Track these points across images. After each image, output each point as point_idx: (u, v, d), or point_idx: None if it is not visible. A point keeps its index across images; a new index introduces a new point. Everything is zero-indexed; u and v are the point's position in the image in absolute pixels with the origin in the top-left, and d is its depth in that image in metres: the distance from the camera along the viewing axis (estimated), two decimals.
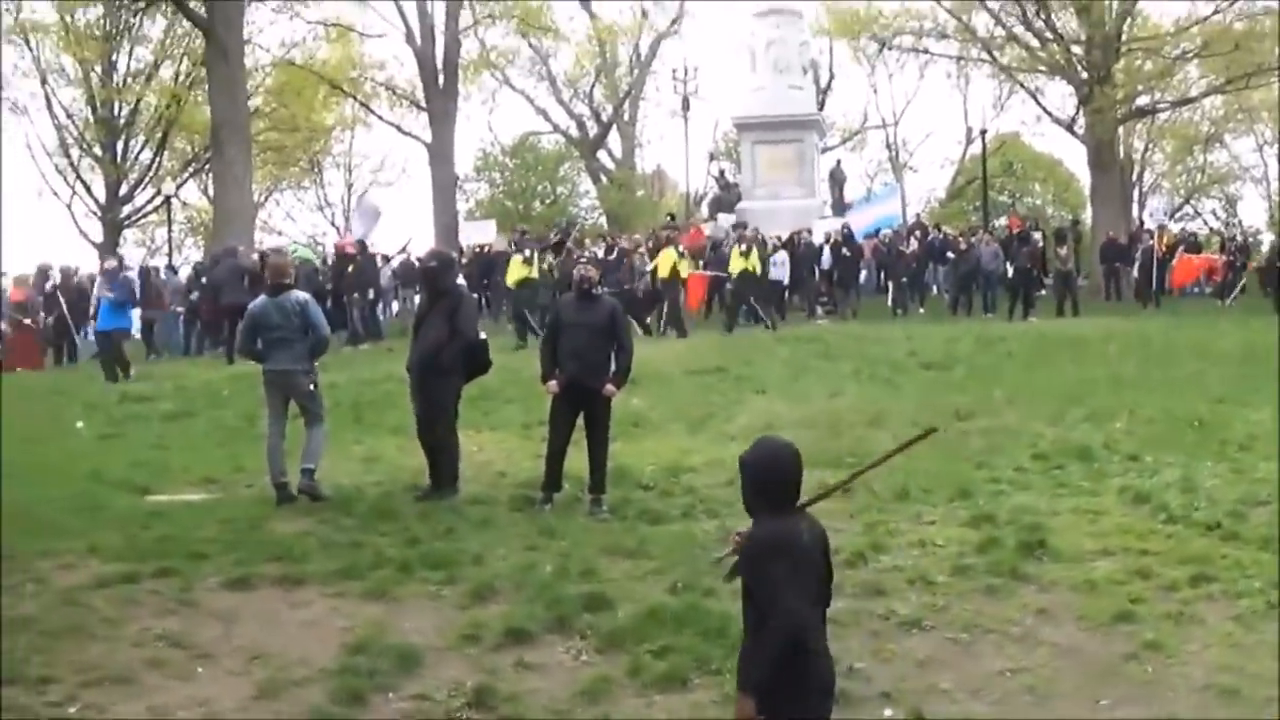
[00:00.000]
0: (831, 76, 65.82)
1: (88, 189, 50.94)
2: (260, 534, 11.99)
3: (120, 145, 50.49)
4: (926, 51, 53.02)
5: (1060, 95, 49.58)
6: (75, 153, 51.00)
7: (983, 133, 50.24)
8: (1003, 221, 45.60)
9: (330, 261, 34.99)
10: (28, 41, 49.04)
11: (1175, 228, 47.07)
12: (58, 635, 9.05)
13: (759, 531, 5.49)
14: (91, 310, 29.85)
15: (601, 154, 63.87)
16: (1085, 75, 41.65)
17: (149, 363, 30.18)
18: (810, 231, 36.70)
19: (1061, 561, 10.76)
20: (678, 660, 8.46)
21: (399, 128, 54.93)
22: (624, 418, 16.17)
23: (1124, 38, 42.67)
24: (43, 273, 32.98)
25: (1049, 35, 42.58)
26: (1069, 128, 46.27)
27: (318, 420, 13.80)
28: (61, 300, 31.32)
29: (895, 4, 50.53)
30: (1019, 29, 43.40)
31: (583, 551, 11.25)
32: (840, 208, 45.12)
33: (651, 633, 8.96)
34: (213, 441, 17.73)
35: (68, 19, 47.91)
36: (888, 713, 7.94)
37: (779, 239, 35.42)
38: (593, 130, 63.34)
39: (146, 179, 51.39)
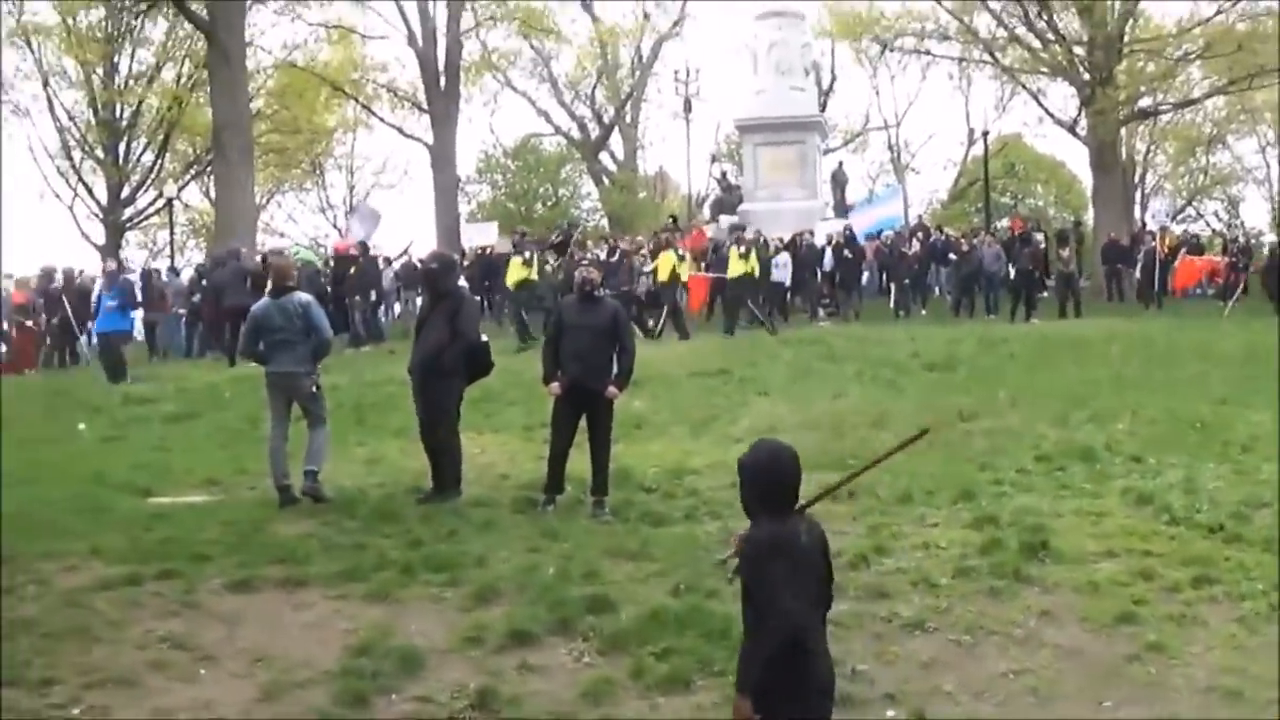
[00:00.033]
0: (833, 78, 66.06)
1: (90, 191, 51.08)
2: (263, 536, 11.99)
3: (122, 147, 50.62)
4: (928, 53, 53.15)
5: (1062, 96, 49.79)
6: (77, 155, 51.18)
7: (985, 134, 50.31)
8: (1005, 223, 45.62)
9: (330, 264, 34.97)
10: (30, 44, 49.21)
11: (1177, 229, 47.09)
12: (60, 637, 9.05)
13: (757, 533, 5.50)
14: (92, 312, 29.84)
15: (603, 156, 64.00)
16: (1087, 76, 41.72)
17: (151, 364, 30.20)
18: (812, 233, 36.66)
19: (1064, 563, 10.75)
20: (680, 662, 8.45)
21: (401, 130, 55.14)
22: (626, 420, 16.18)
23: (1126, 39, 42.75)
24: (47, 275, 32.98)
25: (1051, 36, 42.65)
26: (1071, 129, 46.33)
27: (320, 422, 13.79)
28: (66, 303, 31.30)
29: (897, 5, 50.65)
30: (1021, 30, 43.50)
31: (585, 553, 11.24)
32: (842, 209, 45.13)
33: (654, 634, 8.95)
34: (215, 443, 17.74)
35: (70, 21, 47.99)
36: (891, 714, 7.93)
37: (781, 241, 35.42)
38: (594, 132, 63.44)
39: (148, 181, 51.52)
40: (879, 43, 55.53)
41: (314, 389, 13.71)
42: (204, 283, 33.00)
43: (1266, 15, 40.79)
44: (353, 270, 31.77)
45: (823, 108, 56.53)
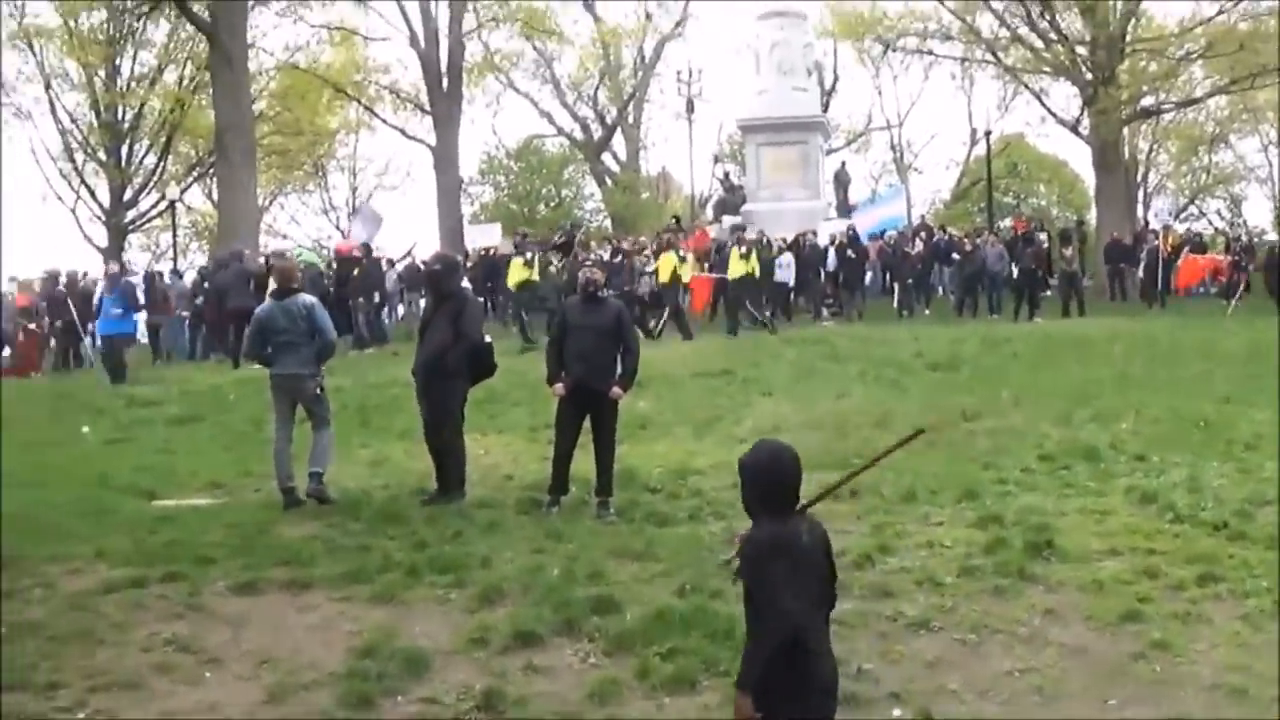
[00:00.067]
0: (836, 78, 66.10)
1: (92, 194, 51.08)
2: (268, 538, 12.00)
3: (124, 150, 50.58)
4: (931, 53, 53.02)
5: (1065, 96, 49.64)
6: (79, 157, 51.17)
7: (987, 134, 50.31)
8: (1008, 222, 45.78)
9: (332, 266, 34.98)
10: (31, 46, 49.15)
11: (1180, 228, 47.03)
12: (66, 640, 9.07)
13: (757, 533, 5.50)
14: (94, 315, 29.84)
15: (606, 157, 64.02)
16: (1090, 76, 41.65)
17: (155, 367, 30.23)
18: (815, 233, 36.68)
19: (1069, 562, 10.75)
20: (686, 662, 8.45)
21: (403, 131, 55.12)
22: (631, 420, 16.17)
23: (1128, 38, 42.67)
24: (52, 278, 32.98)
25: (1053, 36, 42.58)
26: (1074, 129, 46.25)
27: (324, 424, 13.80)
28: (72, 306, 31.33)
29: (899, 5, 50.60)
30: (1023, 30, 43.41)
31: (590, 554, 11.24)
32: (845, 209, 45.14)
33: (659, 635, 8.95)
34: (219, 446, 17.76)
35: (71, 23, 47.95)
36: (896, 713, 7.93)
37: (784, 241, 35.44)
38: (597, 133, 63.50)
39: (151, 183, 51.52)
40: (881, 43, 55.49)
41: (318, 391, 13.72)
42: (206, 285, 33.03)
43: (1268, 15, 40.70)
44: (356, 272, 31.78)
45: (825, 108, 56.60)
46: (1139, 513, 12.42)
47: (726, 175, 53.56)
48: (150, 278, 35.13)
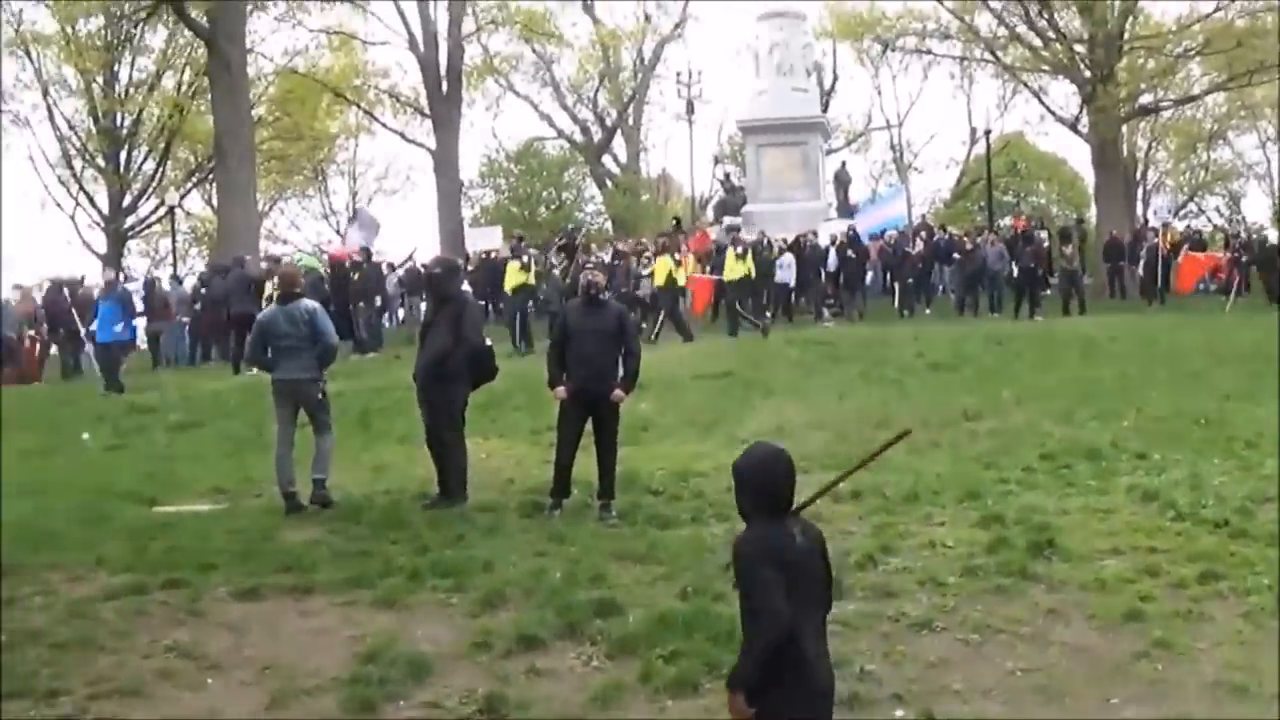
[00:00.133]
0: (835, 78, 66.15)
1: (91, 200, 51.17)
2: (269, 544, 11.99)
3: (123, 156, 50.67)
4: (930, 52, 53.15)
5: (1064, 94, 49.74)
6: (78, 164, 51.24)
7: (987, 133, 50.27)
8: (1008, 221, 45.74)
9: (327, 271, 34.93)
10: (29, 53, 49.22)
11: (1179, 225, 47.05)
12: (67, 647, 9.06)
13: (748, 536, 5.51)
14: (93, 322, 29.83)
15: (606, 159, 64.03)
16: (1088, 74, 41.70)
17: (155, 373, 30.23)
18: (816, 233, 36.70)
19: (1071, 561, 10.74)
20: (688, 665, 8.44)
21: (403, 135, 55.21)
22: (632, 423, 16.15)
23: (1126, 36, 42.72)
24: (56, 286, 32.98)
25: (1052, 34, 42.63)
26: (1073, 127, 46.31)
27: (326, 429, 13.81)
28: (75, 313, 31.34)
29: (898, 5, 50.65)
30: (1022, 29, 43.46)
31: (592, 557, 11.24)
32: (845, 210, 45.13)
33: (662, 638, 8.94)
34: (220, 452, 17.74)
35: (69, 30, 47.95)
36: (899, 714, 7.93)
37: (785, 241, 35.44)
38: (597, 135, 63.52)
39: (150, 189, 51.54)
40: (880, 43, 55.60)
41: (320, 395, 13.72)
42: (204, 291, 33.06)
43: (1266, 11, 40.76)
44: (357, 276, 31.76)
45: (825, 108, 56.61)
46: (1140, 511, 12.42)
47: (727, 176, 53.64)
48: (150, 284, 35.15)
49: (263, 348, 13.79)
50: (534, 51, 59.29)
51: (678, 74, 58.86)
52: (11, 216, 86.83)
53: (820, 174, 44.68)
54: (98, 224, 51.16)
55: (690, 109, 56.88)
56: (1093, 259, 41.48)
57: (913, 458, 15.12)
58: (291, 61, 51.16)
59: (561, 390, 13.24)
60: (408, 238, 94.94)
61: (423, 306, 29.67)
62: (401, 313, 40.66)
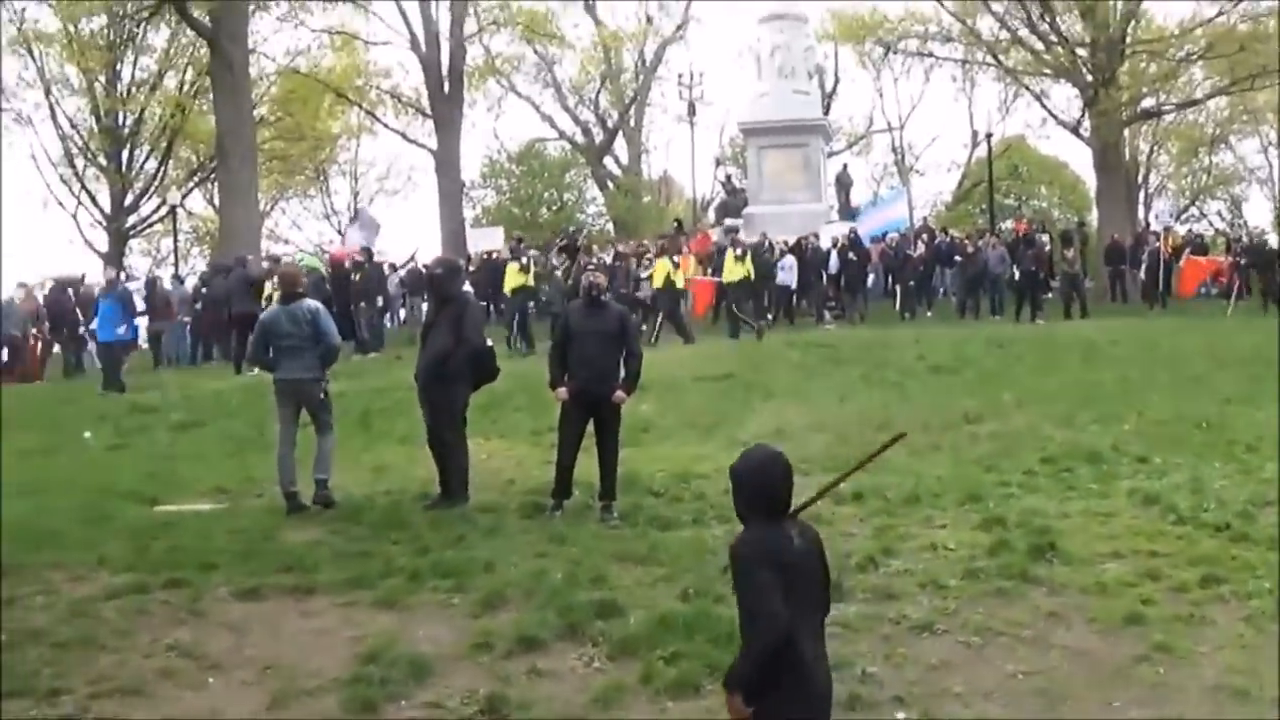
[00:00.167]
0: (837, 81, 66.10)
1: (93, 199, 51.15)
2: (270, 544, 11.99)
3: (125, 155, 50.66)
4: (931, 55, 53.21)
5: (1065, 98, 49.74)
6: (80, 163, 51.22)
7: (988, 136, 50.37)
8: (1009, 224, 45.72)
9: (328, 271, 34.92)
10: (31, 52, 49.20)
11: (1181, 229, 47.07)
12: (68, 647, 9.07)
13: (746, 538, 5.52)
14: (94, 321, 29.81)
15: (608, 160, 63.98)
16: (1090, 78, 41.68)
17: (157, 373, 30.22)
18: (817, 236, 36.70)
19: (1072, 564, 10.75)
20: (689, 667, 8.44)
21: (405, 135, 55.19)
22: (634, 424, 16.15)
23: (1128, 40, 42.69)
24: (60, 285, 32.96)
25: (1054, 38, 42.60)
26: (1074, 130, 46.27)
27: (328, 429, 13.81)
28: (79, 312, 31.33)
29: (900, 8, 50.68)
30: (1024, 32, 43.43)
31: (593, 558, 11.24)
32: (847, 212, 45.10)
33: (663, 639, 8.94)
34: (222, 451, 17.73)
35: (71, 29, 47.93)
36: (900, 716, 7.93)
37: (786, 243, 35.45)
38: (599, 136, 63.50)
39: (151, 189, 51.54)
40: (882, 45, 55.64)
41: (323, 395, 13.73)
42: (204, 291, 33.06)
43: (1268, 15, 40.78)
44: (358, 277, 31.75)
45: (826, 110, 56.63)
46: (1141, 515, 12.42)
47: (728, 178, 53.60)
48: (151, 283, 35.12)
49: (265, 347, 13.79)
50: (536, 52, 59.27)
51: (679, 76, 58.87)
52: (13, 215, 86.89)
53: (822, 176, 44.68)
54: (99, 223, 51.16)
55: (692, 111, 56.86)
56: (1094, 262, 41.47)
57: (914, 460, 15.13)
58: (293, 61, 51.19)
59: (563, 391, 13.24)
60: (409, 238, 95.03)
61: (424, 307, 29.71)
62: (403, 313, 40.64)
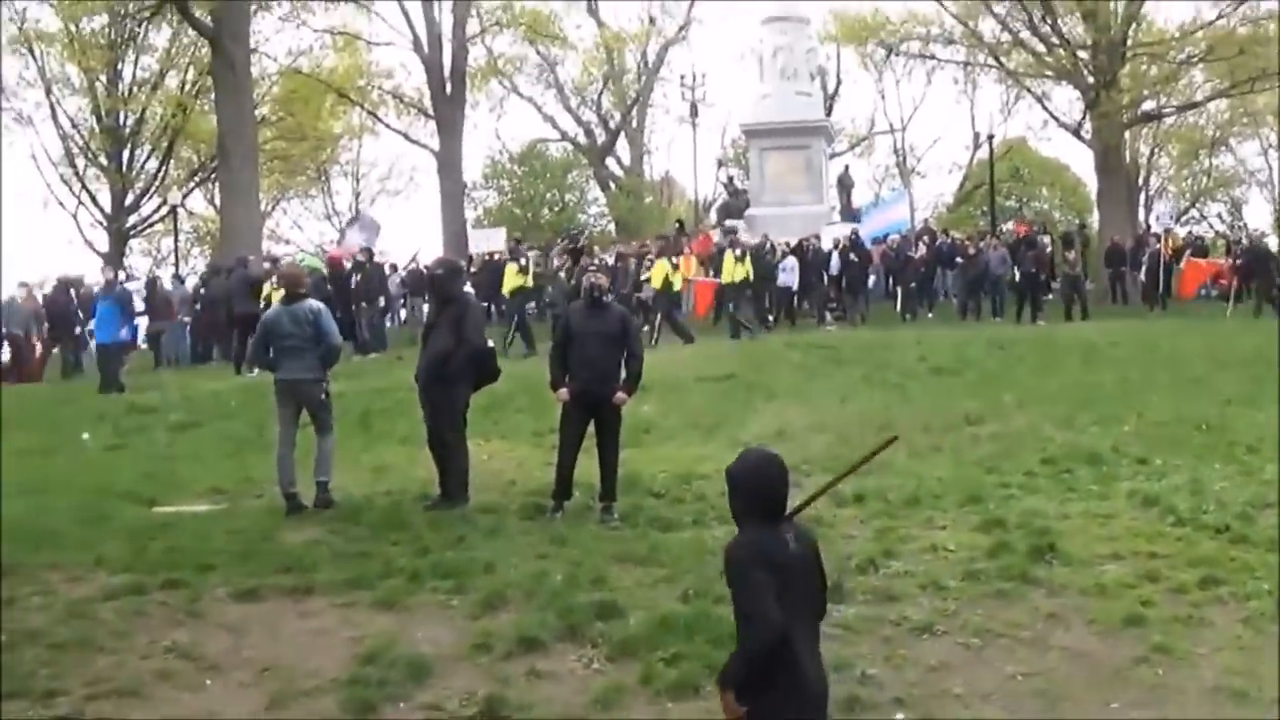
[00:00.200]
0: (839, 82, 66.04)
1: (93, 199, 51.20)
2: (269, 544, 11.97)
3: (126, 155, 50.72)
4: (933, 57, 53.22)
5: (1067, 100, 49.79)
6: (81, 162, 51.29)
7: (990, 138, 50.37)
8: (1010, 226, 45.65)
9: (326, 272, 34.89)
10: (32, 51, 49.24)
11: (1181, 231, 47.06)
12: (65, 648, 9.06)
13: (740, 540, 5.53)
14: (91, 320, 29.80)
15: (610, 161, 64.01)
16: (1091, 80, 41.67)
17: (156, 373, 30.21)
18: (818, 237, 36.69)
19: (1071, 565, 10.75)
20: (689, 668, 8.43)
21: (407, 136, 55.24)
22: (635, 425, 16.15)
23: (1130, 42, 42.67)
24: (62, 285, 32.95)
25: (1055, 40, 42.58)
26: (1076, 132, 46.26)
27: (328, 430, 13.80)
28: (79, 313, 31.34)
29: (902, 10, 50.71)
30: (1025, 34, 43.42)
31: (594, 560, 11.23)
32: (848, 213, 45.07)
33: (663, 640, 8.94)
34: (221, 452, 17.72)
35: (73, 28, 47.96)
36: (900, 717, 7.93)
37: (787, 245, 35.45)
38: (601, 137, 63.52)
39: (152, 188, 51.58)
40: (884, 47, 55.64)
41: (323, 396, 13.72)
42: (203, 291, 33.07)
43: (1268, 18, 40.79)
44: (359, 277, 31.76)
45: (828, 112, 56.62)
46: (1141, 516, 12.42)
47: (730, 180, 53.59)
48: (152, 283, 35.13)
49: (266, 348, 13.79)
50: (538, 53, 59.30)
51: (681, 77, 58.85)
52: (13, 215, 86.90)
53: (823, 178, 44.69)
54: (100, 223, 51.20)
55: (694, 112, 56.85)
56: (1095, 264, 41.49)
57: (914, 462, 15.14)
58: (295, 61, 51.21)
59: (564, 392, 13.24)
60: (411, 239, 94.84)
61: (425, 308, 29.68)
62: (404, 313, 40.64)
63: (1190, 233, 48.83)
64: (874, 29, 53.70)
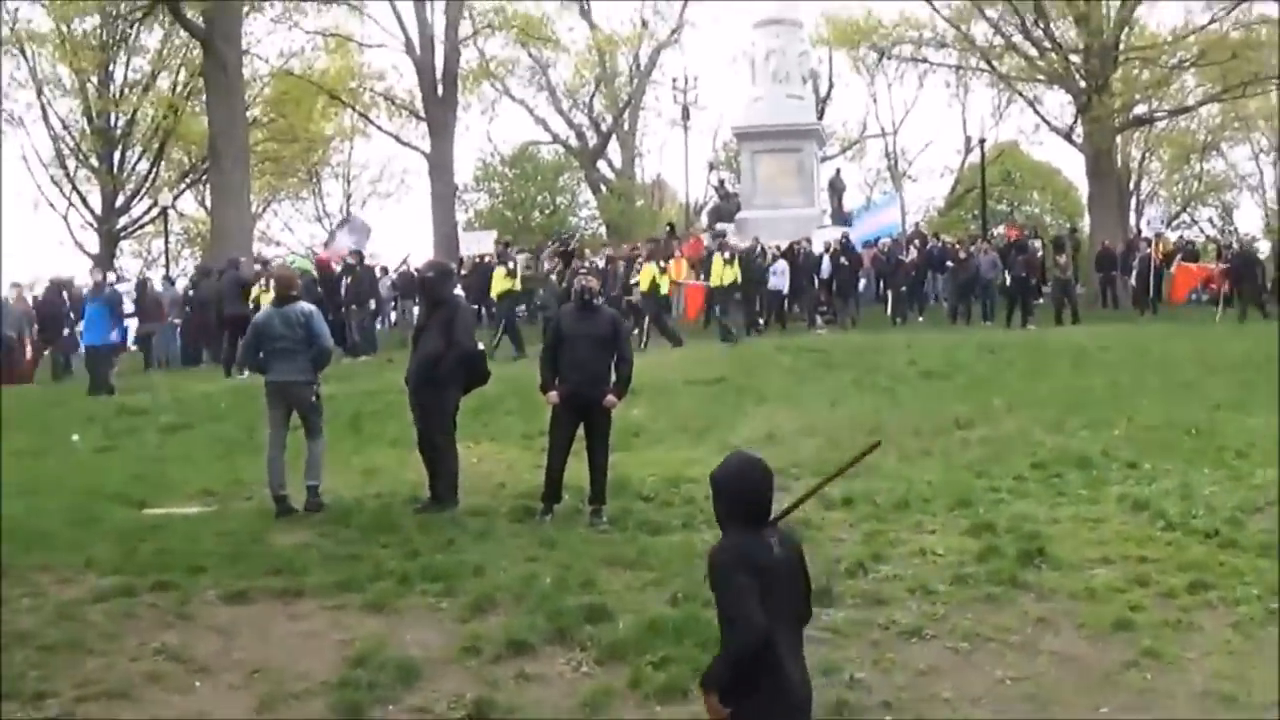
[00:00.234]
0: (831, 86, 66.10)
1: (84, 200, 51.19)
2: (259, 547, 11.95)
3: (117, 156, 50.70)
4: (925, 61, 53.40)
5: (1058, 104, 49.97)
6: (72, 164, 51.25)
7: (981, 142, 50.37)
8: (1001, 230, 45.72)
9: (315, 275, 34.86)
10: (24, 52, 49.16)
11: (1172, 236, 47.18)
12: (55, 649, 9.04)
13: (724, 544, 5.53)
14: (80, 324, 29.73)
15: (601, 164, 64.06)
16: (1083, 84, 41.73)
17: (146, 375, 30.16)
18: (810, 240, 36.73)
19: (1061, 569, 10.76)
20: (678, 671, 8.43)
21: (398, 138, 55.26)
22: (624, 428, 16.13)
23: (1122, 47, 42.78)
24: (55, 286, 32.89)
25: (1047, 44, 42.66)
26: (1067, 136, 46.41)
27: (318, 432, 13.77)
28: (71, 314, 31.30)
29: (894, 13, 50.79)
30: (1018, 38, 43.51)
31: (583, 563, 11.22)
32: (839, 217, 45.15)
33: (652, 644, 8.94)
34: (211, 454, 17.68)
35: (64, 29, 47.93)
36: None
37: (778, 248, 35.46)
38: (592, 140, 63.57)
39: (143, 190, 51.57)
40: (876, 50, 55.78)
41: (314, 398, 13.70)
42: (191, 293, 33.04)
43: (1260, 23, 40.88)
44: (349, 280, 31.75)
45: (820, 115, 56.62)
46: (1131, 520, 12.43)
47: (721, 183, 53.70)
48: (142, 285, 35.10)
49: (256, 350, 13.75)
50: (530, 56, 59.40)
51: (673, 80, 59.08)
52: (5, 216, 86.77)
53: (815, 181, 44.76)
54: (90, 224, 51.19)
55: (686, 115, 57.00)
56: (1085, 268, 41.57)
57: (904, 465, 15.14)
58: (287, 63, 51.27)
59: (554, 395, 13.23)
60: (402, 241, 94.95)
61: (415, 310, 29.68)
62: (394, 316, 40.61)
63: (1181, 237, 49.06)
64: (866, 32, 53.87)
